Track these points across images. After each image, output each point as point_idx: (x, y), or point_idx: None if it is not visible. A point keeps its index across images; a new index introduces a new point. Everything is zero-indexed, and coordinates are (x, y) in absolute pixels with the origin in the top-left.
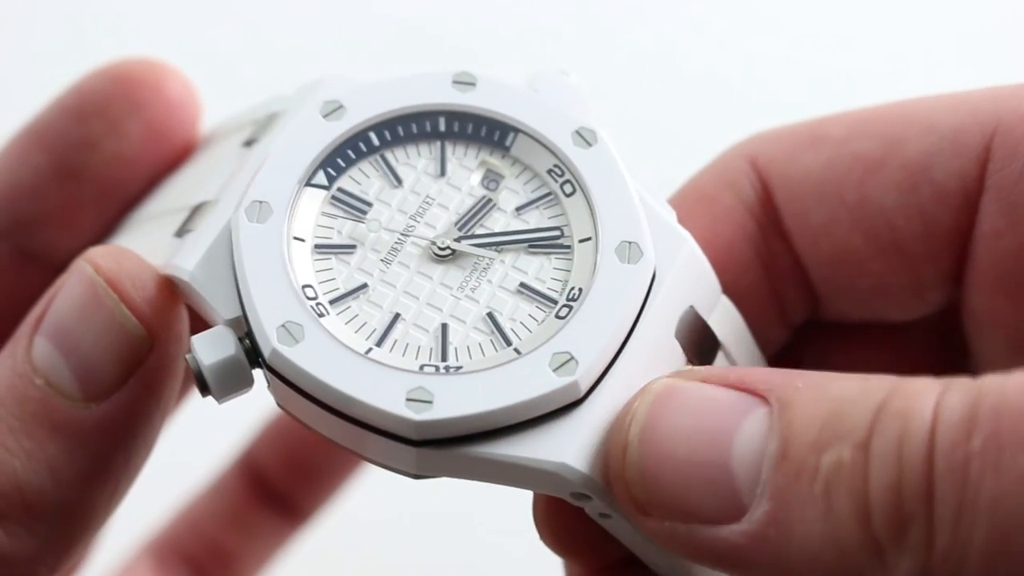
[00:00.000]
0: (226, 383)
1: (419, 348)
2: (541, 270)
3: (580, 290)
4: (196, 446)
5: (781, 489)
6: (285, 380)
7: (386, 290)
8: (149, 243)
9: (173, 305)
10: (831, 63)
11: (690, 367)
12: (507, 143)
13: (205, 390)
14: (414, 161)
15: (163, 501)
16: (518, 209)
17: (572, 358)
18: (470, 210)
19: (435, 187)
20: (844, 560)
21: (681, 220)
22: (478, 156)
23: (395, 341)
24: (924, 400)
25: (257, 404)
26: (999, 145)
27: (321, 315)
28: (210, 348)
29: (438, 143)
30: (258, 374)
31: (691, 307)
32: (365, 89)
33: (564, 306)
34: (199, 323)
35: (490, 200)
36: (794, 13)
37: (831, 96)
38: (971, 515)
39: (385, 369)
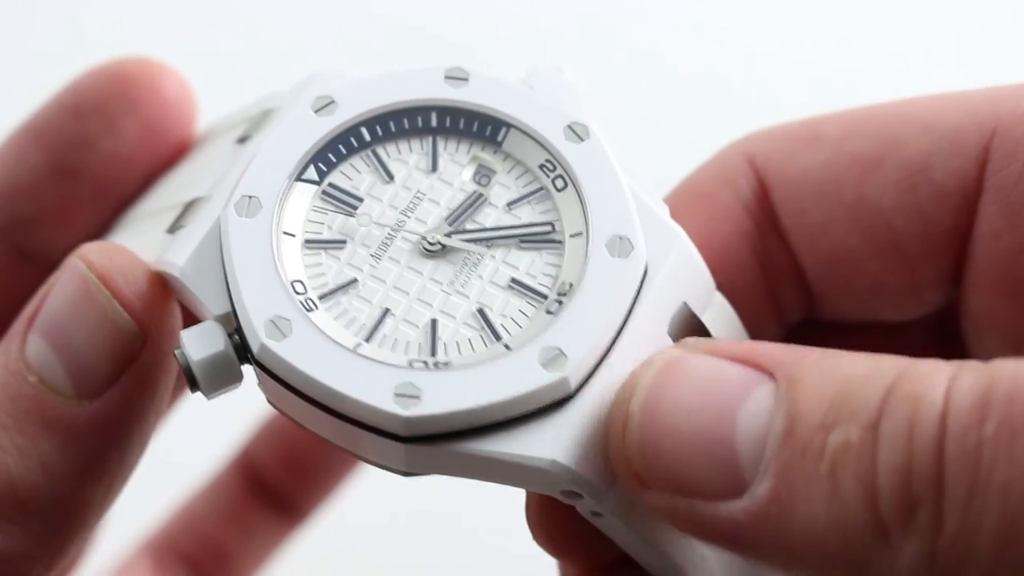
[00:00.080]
0: (215, 379)
1: (408, 343)
2: (532, 265)
3: (571, 285)
4: (193, 445)
5: (785, 467)
6: (274, 376)
7: (376, 285)
8: (142, 240)
9: (166, 301)
10: (829, 62)
11: (695, 339)
12: (499, 138)
13: (194, 386)
14: (405, 156)
15: (161, 500)
16: (509, 204)
17: (562, 353)
18: (461, 205)
19: (426, 182)
20: (847, 541)
21: (677, 217)
22: (470, 151)
23: (384, 336)
24: (935, 383)
25: (255, 402)
26: (998, 145)
27: (310, 310)
28: (199, 343)
29: (430, 138)
30: (248, 370)
31: (685, 303)
32: (357, 84)
33: (555, 301)
34: (192, 320)
35: (481, 195)
36: (792, 11)
37: (829, 95)
38: (982, 500)
39: (374, 364)
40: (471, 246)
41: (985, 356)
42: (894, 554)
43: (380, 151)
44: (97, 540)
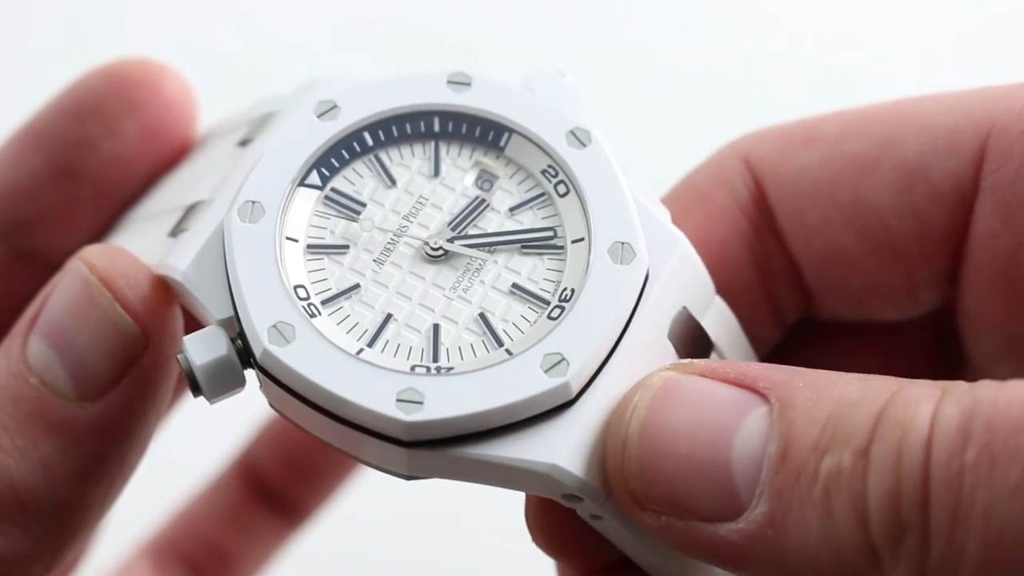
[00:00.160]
0: (217, 383)
1: (411, 349)
2: (534, 271)
3: (573, 291)
4: (194, 447)
5: (780, 491)
6: (276, 381)
7: (378, 290)
8: (144, 243)
9: (167, 304)
10: (827, 62)
11: (689, 360)
12: (501, 143)
13: (196, 390)
14: (408, 161)
15: (161, 501)
16: (512, 209)
17: (564, 359)
18: (463, 210)
19: (429, 187)
20: (840, 563)
21: (675, 219)
22: (472, 156)
23: (387, 342)
24: (923, 408)
25: (255, 405)
26: (994, 146)
27: (313, 315)
28: (201, 348)
29: (432, 143)
30: (250, 374)
31: (684, 308)
32: (359, 89)
33: (556, 307)
34: (194, 323)
35: (484, 200)
36: (790, 12)
37: (827, 95)
38: (965, 526)
39: (376, 370)
40: (473, 251)
41: (981, 355)
42: None
43: (383, 156)
44: (97, 541)
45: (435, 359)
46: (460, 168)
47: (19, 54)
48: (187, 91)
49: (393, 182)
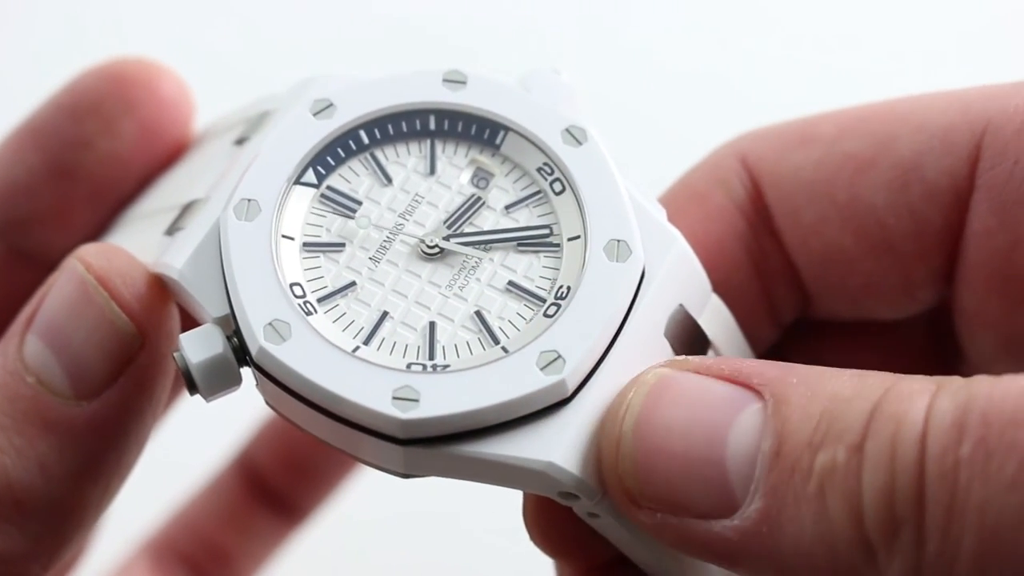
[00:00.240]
0: (214, 381)
1: (407, 346)
2: (530, 268)
3: (568, 288)
4: (192, 445)
5: (775, 487)
6: (272, 378)
7: (374, 288)
8: (140, 241)
9: (164, 303)
10: (825, 62)
11: (683, 356)
12: (497, 141)
13: (193, 388)
14: (404, 159)
15: (160, 500)
16: (507, 207)
17: (560, 357)
18: (459, 208)
19: (425, 185)
20: (835, 559)
21: (671, 218)
22: (468, 154)
23: (383, 339)
24: (917, 403)
25: (254, 403)
26: (989, 144)
27: (309, 313)
28: (198, 346)
29: (428, 141)
30: (247, 372)
31: (681, 306)
32: (355, 87)
33: (552, 304)
34: (190, 322)
35: (479, 198)
36: (788, 11)
37: (826, 95)
38: (960, 521)
39: (372, 367)
40: (469, 249)
41: (978, 354)
42: (880, 572)
43: (378, 154)
44: (96, 540)
45: (431, 357)
46: (456, 166)
47: (19, 54)
48: (183, 90)
49: (389, 180)
